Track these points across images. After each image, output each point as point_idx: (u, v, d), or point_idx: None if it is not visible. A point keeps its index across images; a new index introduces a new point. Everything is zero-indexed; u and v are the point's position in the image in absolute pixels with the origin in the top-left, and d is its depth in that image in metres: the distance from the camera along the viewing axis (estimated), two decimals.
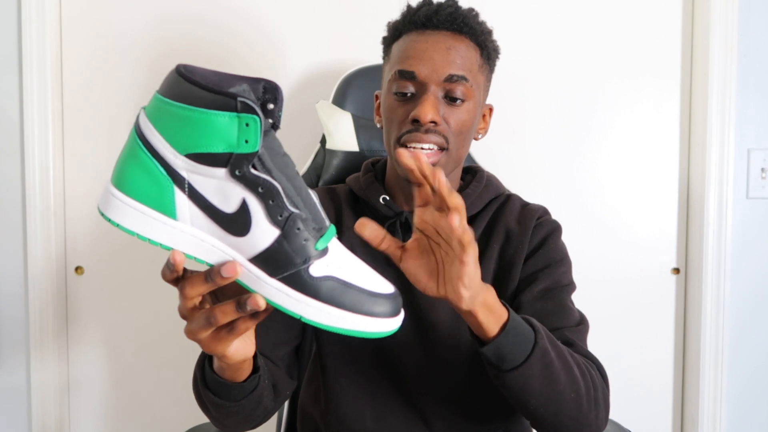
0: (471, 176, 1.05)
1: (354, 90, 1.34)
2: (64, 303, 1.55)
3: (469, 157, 1.31)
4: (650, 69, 1.57)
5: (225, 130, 0.58)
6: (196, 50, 1.52)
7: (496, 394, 0.85)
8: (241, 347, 0.70)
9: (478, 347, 0.78)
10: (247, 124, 0.58)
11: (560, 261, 0.98)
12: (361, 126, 1.28)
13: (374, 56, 1.15)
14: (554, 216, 1.04)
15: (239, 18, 1.52)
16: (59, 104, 1.52)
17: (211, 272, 0.61)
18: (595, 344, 0.98)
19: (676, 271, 1.61)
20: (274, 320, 0.87)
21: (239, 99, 0.57)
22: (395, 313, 0.64)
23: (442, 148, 0.92)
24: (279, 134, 0.64)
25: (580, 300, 0.99)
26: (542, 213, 1.02)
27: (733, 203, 1.57)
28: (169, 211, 0.60)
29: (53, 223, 1.51)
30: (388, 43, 0.99)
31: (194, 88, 0.58)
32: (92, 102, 1.53)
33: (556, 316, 0.92)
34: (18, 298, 1.52)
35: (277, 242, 0.60)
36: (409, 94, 0.93)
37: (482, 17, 0.97)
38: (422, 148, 0.91)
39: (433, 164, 0.92)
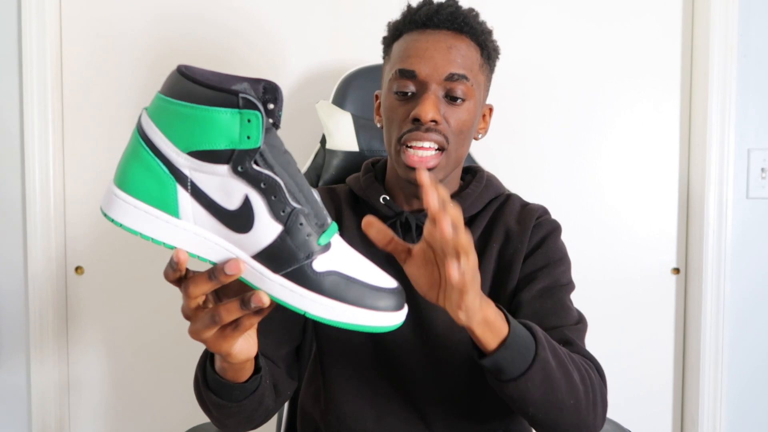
0: (471, 176, 1.05)
1: (354, 90, 1.34)
2: (64, 303, 1.55)
3: (469, 157, 1.31)
4: (650, 69, 1.57)
5: (227, 126, 0.58)
6: (196, 50, 1.52)
7: (496, 395, 0.85)
8: (245, 346, 0.70)
9: (477, 359, 0.79)
10: (248, 120, 0.58)
11: (559, 260, 0.98)
12: (361, 126, 1.29)
13: (374, 56, 1.15)
14: (554, 216, 1.04)
15: (239, 18, 1.52)
16: (59, 104, 1.52)
17: (215, 270, 0.61)
18: (595, 344, 0.98)
19: (676, 271, 1.61)
20: (275, 321, 0.87)
21: (241, 95, 0.58)
22: (399, 307, 0.64)
23: (441, 148, 0.92)
24: (279, 134, 0.64)
25: (580, 300, 0.99)
26: (542, 213, 1.02)
27: (733, 203, 1.57)
28: (172, 209, 0.60)
29: (53, 223, 1.51)
30: (388, 42, 0.99)
31: (196, 86, 0.58)
32: (92, 102, 1.53)
33: (555, 314, 0.92)
34: (18, 298, 1.52)
35: (280, 238, 0.60)
36: (409, 93, 0.93)
37: (482, 17, 0.98)
38: (422, 147, 0.91)
39: (434, 166, 0.92)
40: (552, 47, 1.56)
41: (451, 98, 0.92)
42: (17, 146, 1.50)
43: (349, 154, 1.28)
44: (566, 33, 1.56)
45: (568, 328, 0.92)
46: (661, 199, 1.60)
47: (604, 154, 1.58)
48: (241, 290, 0.64)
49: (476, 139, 1.01)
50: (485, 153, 1.40)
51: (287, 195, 0.60)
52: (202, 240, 0.61)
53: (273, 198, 0.60)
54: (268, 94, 0.60)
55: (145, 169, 0.60)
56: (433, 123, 0.91)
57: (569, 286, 0.98)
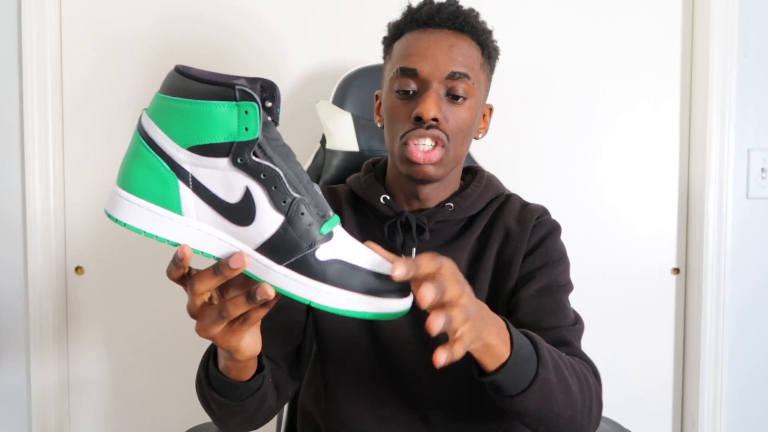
0: (471, 176, 1.05)
1: (354, 90, 1.34)
2: (64, 303, 1.55)
3: (469, 157, 1.31)
4: (650, 69, 1.57)
5: (225, 119, 0.59)
6: (196, 50, 1.52)
7: None
8: (252, 342, 0.70)
9: (476, 376, 0.78)
10: (246, 112, 0.59)
11: (558, 260, 0.98)
12: (361, 126, 1.29)
13: (374, 56, 1.15)
14: (554, 216, 1.04)
15: (239, 18, 1.52)
16: (59, 104, 1.52)
17: (220, 265, 0.61)
18: (595, 344, 0.98)
19: (676, 271, 1.61)
20: (276, 321, 0.87)
21: (237, 87, 0.58)
22: (404, 294, 0.64)
23: (441, 146, 0.92)
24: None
25: (579, 300, 0.99)
26: (542, 213, 1.02)
27: (733, 203, 1.57)
28: (175, 206, 0.61)
29: (53, 223, 1.51)
30: (389, 42, 0.99)
31: (193, 82, 0.59)
32: (92, 102, 1.53)
33: (552, 314, 0.92)
34: (18, 298, 1.52)
35: (282, 228, 0.61)
36: (411, 92, 0.93)
37: (482, 17, 0.98)
38: (424, 144, 0.91)
39: (435, 162, 0.92)
40: (552, 47, 1.56)
41: (452, 97, 0.92)
42: (17, 146, 1.50)
43: (349, 154, 1.28)
44: (566, 33, 1.56)
45: (566, 329, 0.92)
46: (661, 199, 1.60)
47: (604, 154, 1.58)
48: (246, 284, 0.64)
49: (476, 138, 1.02)
50: (485, 153, 1.40)
51: (287, 185, 0.61)
52: (205, 235, 0.62)
53: (273, 188, 0.61)
54: (266, 92, 0.60)
55: (146, 168, 0.61)
56: (434, 121, 0.91)
57: (567, 286, 0.98)
